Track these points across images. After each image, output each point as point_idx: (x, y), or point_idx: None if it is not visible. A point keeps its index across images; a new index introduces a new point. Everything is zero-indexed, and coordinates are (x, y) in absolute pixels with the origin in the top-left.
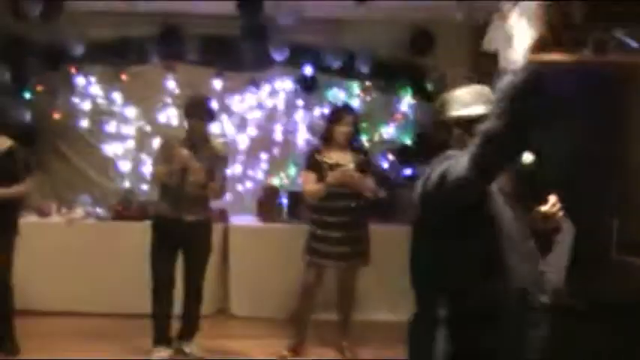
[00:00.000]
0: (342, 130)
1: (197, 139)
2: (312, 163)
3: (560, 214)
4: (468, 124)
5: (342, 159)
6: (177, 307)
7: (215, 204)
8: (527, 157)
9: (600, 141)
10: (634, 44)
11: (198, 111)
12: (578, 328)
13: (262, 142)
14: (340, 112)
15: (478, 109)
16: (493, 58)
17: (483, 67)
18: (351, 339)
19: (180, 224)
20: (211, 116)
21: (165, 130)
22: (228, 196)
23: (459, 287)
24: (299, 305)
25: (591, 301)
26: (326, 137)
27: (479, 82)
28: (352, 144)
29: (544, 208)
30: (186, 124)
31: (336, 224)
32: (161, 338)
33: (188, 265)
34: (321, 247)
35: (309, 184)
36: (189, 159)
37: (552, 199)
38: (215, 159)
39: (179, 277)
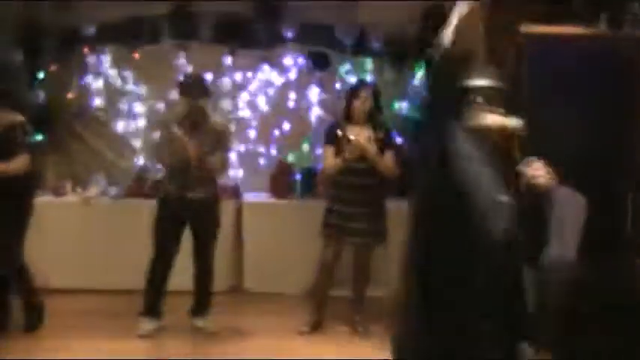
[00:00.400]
0: (359, 105)
1: (195, 118)
2: (332, 138)
3: (545, 180)
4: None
5: (362, 135)
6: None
7: (228, 181)
8: (515, 121)
9: (614, 116)
10: None
11: (193, 89)
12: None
13: (275, 118)
14: (358, 88)
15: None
16: (504, 29)
17: (493, 39)
18: (363, 315)
19: (185, 202)
20: (207, 93)
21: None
22: (240, 173)
23: None
24: (317, 281)
25: (598, 302)
26: (346, 113)
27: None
28: (372, 120)
29: (530, 171)
30: (182, 102)
31: (353, 200)
32: (148, 310)
33: (196, 242)
34: (337, 222)
35: (328, 158)
36: (186, 141)
37: (536, 164)
38: (215, 134)
39: (188, 254)
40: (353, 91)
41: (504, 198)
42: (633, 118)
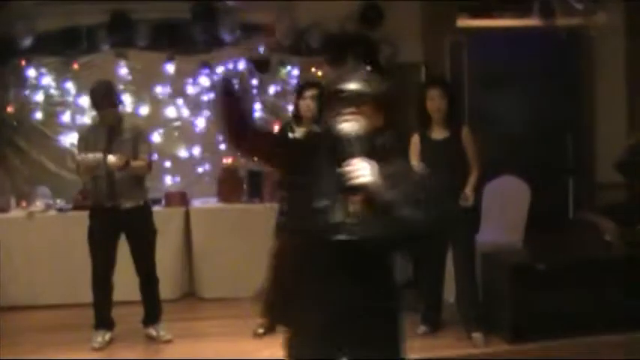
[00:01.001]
0: (305, 106)
1: (111, 126)
2: (282, 137)
3: (359, 180)
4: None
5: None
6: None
7: (174, 187)
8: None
9: (552, 102)
10: (579, 6)
11: (104, 99)
12: (539, 287)
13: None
14: (303, 88)
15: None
16: (441, 27)
17: (432, 36)
18: None
19: (117, 212)
20: (115, 102)
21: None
22: (187, 179)
23: None
24: (268, 282)
25: (550, 262)
26: (294, 114)
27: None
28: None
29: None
30: (95, 113)
31: None
32: (100, 323)
33: (134, 251)
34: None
35: None
36: (99, 158)
37: (354, 161)
38: (133, 138)
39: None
40: (299, 92)
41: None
42: (568, 103)
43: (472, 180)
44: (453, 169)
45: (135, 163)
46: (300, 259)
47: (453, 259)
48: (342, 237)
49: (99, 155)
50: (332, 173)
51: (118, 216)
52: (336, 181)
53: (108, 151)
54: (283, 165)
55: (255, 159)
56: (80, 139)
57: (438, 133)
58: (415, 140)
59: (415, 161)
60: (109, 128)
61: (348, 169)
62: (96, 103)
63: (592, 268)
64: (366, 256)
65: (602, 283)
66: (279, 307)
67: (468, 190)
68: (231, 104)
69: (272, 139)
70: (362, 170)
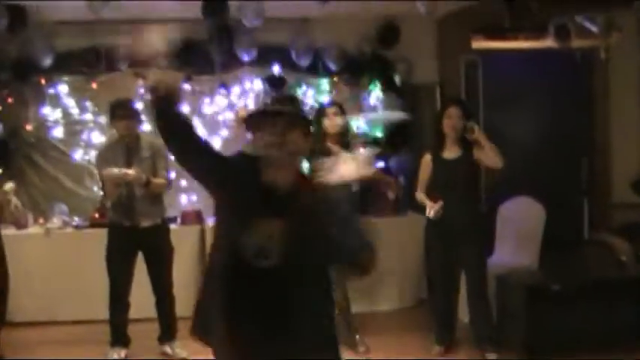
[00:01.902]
0: (330, 123)
1: (129, 143)
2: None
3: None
4: None
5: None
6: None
7: (190, 206)
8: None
9: (566, 123)
10: (594, 29)
11: (125, 111)
12: (553, 308)
13: (235, 143)
14: (326, 107)
15: None
16: (456, 47)
17: (448, 56)
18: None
19: (136, 230)
20: (139, 115)
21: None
22: (203, 198)
23: None
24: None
25: (564, 282)
26: (317, 134)
27: None
28: (344, 138)
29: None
30: (115, 127)
31: None
32: (117, 340)
33: (151, 270)
34: None
35: None
36: (122, 174)
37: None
38: (153, 154)
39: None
40: (321, 111)
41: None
42: (583, 123)
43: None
44: (465, 188)
45: (155, 181)
46: (224, 281)
47: (466, 279)
48: (264, 262)
49: (124, 170)
50: (256, 197)
51: (137, 234)
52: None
53: (127, 168)
54: (212, 184)
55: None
56: (99, 157)
57: (451, 153)
58: (427, 160)
59: (424, 180)
60: (128, 146)
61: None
62: (113, 115)
63: (606, 289)
64: (290, 283)
65: (617, 303)
66: (202, 325)
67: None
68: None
69: (210, 153)
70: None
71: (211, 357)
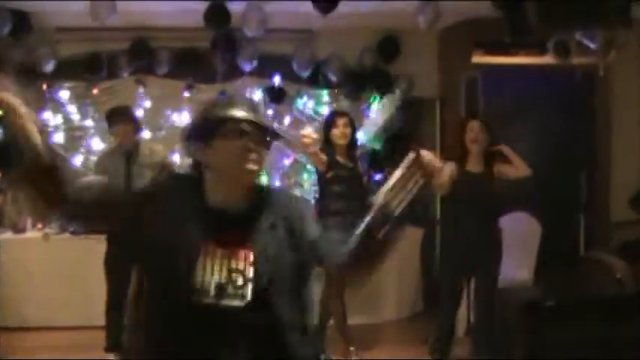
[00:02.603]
0: (338, 133)
1: (129, 151)
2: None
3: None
4: None
5: (347, 162)
6: None
7: None
8: None
9: (566, 139)
10: (594, 45)
11: (122, 117)
12: (548, 324)
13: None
14: (334, 117)
15: None
16: (457, 62)
17: (448, 71)
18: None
19: None
20: (137, 121)
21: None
22: None
23: None
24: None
25: (560, 298)
26: (324, 145)
27: None
28: (352, 150)
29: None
30: (113, 135)
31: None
32: (112, 345)
33: None
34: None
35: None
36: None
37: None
38: (155, 163)
39: None
40: (329, 121)
41: None
42: (583, 140)
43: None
44: (488, 203)
45: None
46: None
47: (475, 291)
48: (233, 302)
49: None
50: (199, 224)
51: None
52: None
53: (128, 176)
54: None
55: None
56: (97, 165)
57: (475, 167)
58: (451, 167)
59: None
60: (128, 153)
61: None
62: (111, 122)
63: (603, 306)
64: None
65: (614, 320)
66: None
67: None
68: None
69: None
70: None
71: None
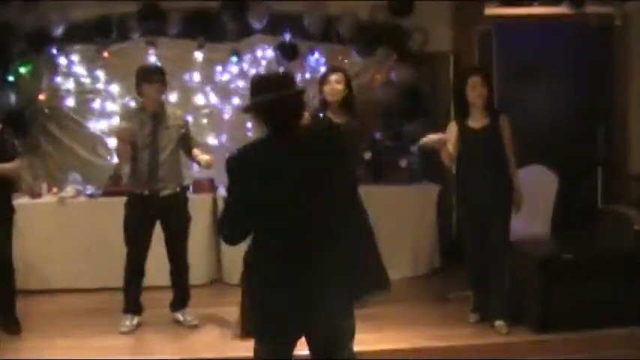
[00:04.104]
0: (329, 90)
1: (156, 108)
2: (314, 116)
3: None
4: None
5: (340, 120)
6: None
7: (202, 174)
8: None
9: (583, 92)
10: None
11: (155, 75)
12: (565, 278)
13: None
14: (327, 73)
15: None
16: (471, 16)
17: (462, 25)
18: None
19: (156, 199)
20: (165, 83)
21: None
22: (216, 167)
23: None
24: None
25: (576, 253)
26: (321, 103)
27: None
28: (348, 105)
29: None
30: (142, 93)
31: None
32: (129, 306)
33: (168, 238)
34: None
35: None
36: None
37: None
38: (179, 126)
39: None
40: (323, 78)
41: None
42: (600, 93)
43: (515, 176)
44: (493, 157)
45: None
46: None
47: (486, 247)
48: None
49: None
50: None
51: (156, 203)
52: None
53: (154, 136)
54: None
55: None
56: (123, 120)
57: (478, 122)
58: (453, 128)
59: (451, 149)
60: (154, 114)
61: None
62: (141, 80)
63: (620, 260)
64: None
65: (630, 274)
66: None
67: (517, 196)
68: None
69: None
70: None
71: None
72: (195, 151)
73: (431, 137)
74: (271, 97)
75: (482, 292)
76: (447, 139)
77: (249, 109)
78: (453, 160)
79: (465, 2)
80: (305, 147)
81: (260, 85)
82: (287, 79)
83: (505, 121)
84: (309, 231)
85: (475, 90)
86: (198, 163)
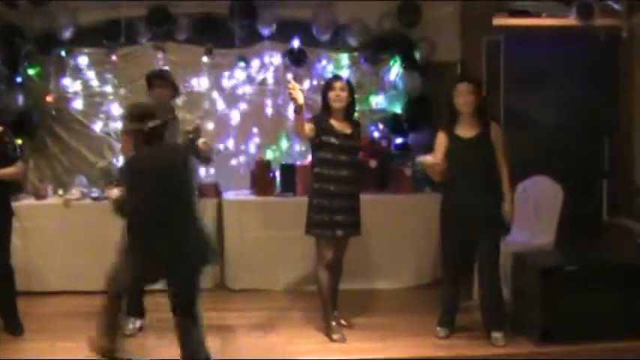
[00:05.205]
0: (334, 97)
1: (164, 109)
2: (316, 120)
3: None
4: None
5: (343, 128)
6: None
7: (208, 179)
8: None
9: (589, 103)
10: (618, 6)
11: (163, 80)
12: (568, 290)
13: (254, 116)
14: (332, 81)
15: None
16: (479, 26)
17: (470, 35)
18: (342, 307)
19: None
20: (176, 87)
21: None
22: (221, 171)
23: None
24: (322, 280)
25: (580, 264)
26: (324, 108)
27: None
28: (350, 114)
29: None
30: (152, 95)
31: (338, 193)
32: (132, 309)
33: None
34: (327, 218)
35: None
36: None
37: None
38: (188, 131)
39: None
40: (327, 84)
41: None
42: (606, 105)
43: (507, 186)
44: (483, 167)
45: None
46: None
47: (478, 258)
48: None
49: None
50: None
51: None
52: None
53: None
54: None
55: None
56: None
57: (467, 131)
58: (441, 138)
59: (439, 158)
60: (162, 112)
61: None
62: (151, 84)
63: (623, 272)
64: None
65: (633, 286)
66: None
67: (507, 206)
68: None
69: None
70: None
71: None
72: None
73: (427, 159)
74: (149, 124)
75: (454, 305)
76: (437, 162)
77: (128, 132)
78: (442, 177)
79: (472, 12)
80: (164, 155)
81: (136, 113)
82: (153, 109)
83: (497, 131)
84: (164, 208)
85: (461, 97)
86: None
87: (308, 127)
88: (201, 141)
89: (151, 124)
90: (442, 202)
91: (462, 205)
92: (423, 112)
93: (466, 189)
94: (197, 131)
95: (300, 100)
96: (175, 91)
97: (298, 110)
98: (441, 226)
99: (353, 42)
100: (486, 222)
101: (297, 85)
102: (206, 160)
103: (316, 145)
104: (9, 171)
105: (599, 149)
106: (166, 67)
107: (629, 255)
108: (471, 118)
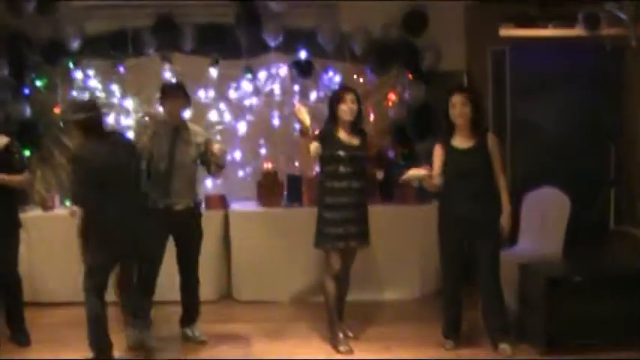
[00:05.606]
0: (346, 109)
1: (177, 126)
2: (322, 136)
3: None
4: None
5: (351, 139)
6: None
7: (215, 190)
8: None
9: (595, 112)
10: (625, 17)
11: (178, 91)
12: (574, 299)
13: (260, 127)
14: (342, 92)
15: None
16: (485, 35)
17: (475, 44)
18: (348, 318)
19: (170, 213)
20: (188, 99)
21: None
22: (228, 183)
23: None
24: (329, 291)
25: (586, 273)
26: (331, 118)
27: None
28: (358, 125)
29: None
30: (165, 107)
31: (347, 204)
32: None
33: (181, 253)
34: (335, 229)
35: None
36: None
37: None
38: (199, 143)
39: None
40: (337, 96)
41: None
42: (611, 113)
43: (505, 197)
44: (479, 177)
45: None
46: None
47: (478, 269)
48: None
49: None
50: None
51: (171, 217)
52: None
53: (172, 149)
54: None
55: None
56: (144, 128)
57: (463, 142)
58: (438, 150)
59: (437, 170)
60: (176, 128)
61: None
62: (164, 96)
63: (629, 280)
64: None
65: (638, 295)
66: None
67: (505, 218)
68: None
69: None
70: None
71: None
72: (210, 146)
73: (413, 173)
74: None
75: (457, 314)
76: (430, 174)
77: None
78: (438, 189)
79: (478, 22)
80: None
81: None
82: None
83: (494, 141)
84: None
85: (455, 109)
86: (210, 160)
87: (314, 147)
88: (216, 147)
89: (76, 116)
90: (439, 211)
91: (458, 213)
92: (428, 122)
93: (463, 198)
94: (209, 142)
95: (307, 122)
96: (188, 103)
97: (304, 133)
98: (438, 234)
99: (357, 50)
100: (483, 230)
101: (302, 108)
102: (219, 168)
103: (325, 158)
104: (17, 178)
105: (605, 157)
106: (173, 78)
107: (633, 263)
108: (466, 129)
